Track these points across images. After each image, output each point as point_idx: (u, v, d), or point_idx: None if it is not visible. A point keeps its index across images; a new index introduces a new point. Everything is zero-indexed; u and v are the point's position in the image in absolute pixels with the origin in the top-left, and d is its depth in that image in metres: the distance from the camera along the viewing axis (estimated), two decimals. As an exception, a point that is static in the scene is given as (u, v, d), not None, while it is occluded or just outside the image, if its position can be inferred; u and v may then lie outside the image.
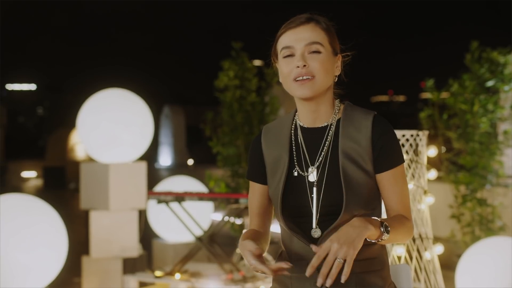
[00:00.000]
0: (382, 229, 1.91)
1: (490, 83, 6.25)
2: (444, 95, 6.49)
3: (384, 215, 2.13)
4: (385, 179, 2.05)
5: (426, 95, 6.67)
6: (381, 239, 1.92)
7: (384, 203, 2.09)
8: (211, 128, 7.72)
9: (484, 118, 6.19)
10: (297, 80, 2.03)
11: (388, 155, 2.04)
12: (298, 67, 2.02)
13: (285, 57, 2.06)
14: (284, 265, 1.89)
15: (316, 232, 2.03)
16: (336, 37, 2.11)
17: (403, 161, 2.08)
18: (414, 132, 4.05)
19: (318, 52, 2.03)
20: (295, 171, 2.09)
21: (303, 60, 2.02)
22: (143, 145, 6.13)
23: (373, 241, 1.93)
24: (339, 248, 1.82)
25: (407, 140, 4.04)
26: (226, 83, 7.44)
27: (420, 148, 4.08)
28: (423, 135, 4.09)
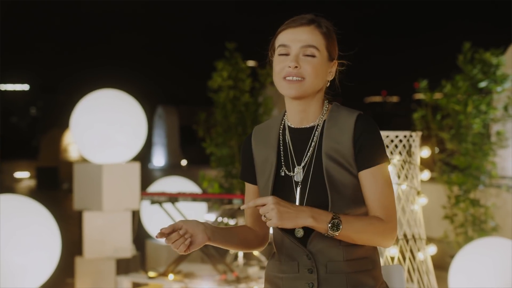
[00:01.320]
0: (328, 225, 1.92)
1: (482, 84, 6.27)
2: (437, 96, 6.50)
3: None
4: (364, 177, 2.04)
5: (419, 95, 6.68)
6: (329, 235, 1.93)
7: (365, 202, 2.07)
8: (204, 128, 7.72)
9: (477, 119, 6.21)
10: (286, 79, 2.05)
11: (367, 153, 2.03)
12: (289, 67, 2.04)
13: (280, 54, 2.07)
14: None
15: (299, 232, 2.04)
16: (336, 43, 2.11)
17: (384, 160, 2.06)
18: (407, 133, 4.06)
19: (312, 56, 2.04)
20: (282, 171, 2.11)
21: (296, 61, 2.03)
22: (137, 146, 6.12)
23: (323, 233, 1.94)
24: (270, 210, 1.88)
25: (400, 141, 4.04)
26: (220, 83, 7.45)
27: (413, 148, 4.09)
28: (416, 136, 4.10)
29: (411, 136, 4.07)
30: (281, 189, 2.08)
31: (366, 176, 2.04)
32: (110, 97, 6.09)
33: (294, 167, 2.09)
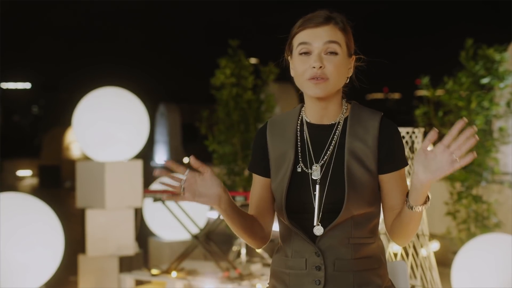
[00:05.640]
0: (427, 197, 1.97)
1: (485, 80, 6.27)
2: (439, 92, 6.50)
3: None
4: (390, 180, 2.06)
5: (421, 92, 6.67)
6: (424, 206, 1.95)
7: (386, 203, 2.08)
8: (206, 126, 7.71)
9: (480, 115, 6.20)
10: (311, 80, 2.02)
11: (394, 157, 2.06)
12: (314, 67, 2.01)
13: (301, 53, 2.05)
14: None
15: (318, 230, 2.03)
16: (352, 37, 2.10)
17: (407, 164, 2.11)
18: (410, 129, 4.06)
19: (335, 53, 2.03)
20: (299, 167, 2.09)
21: (320, 61, 2.01)
22: (139, 143, 6.13)
23: (415, 206, 1.94)
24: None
25: (403, 137, 4.05)
26: (223, 81, 7.44)
27: (416, 145, 4.09)
28: (419, 132, 4.10)
29: (413, 132, 4.07)
30: (297, 185, 2.07)
31: (392, 179, 2.06)
32: (112, 95, 6.09)
33: (311, 163, 2.07)
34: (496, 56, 6.25)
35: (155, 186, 6.77)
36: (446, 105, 6.44)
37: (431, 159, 1.86)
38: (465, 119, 1.87)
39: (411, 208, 1.96)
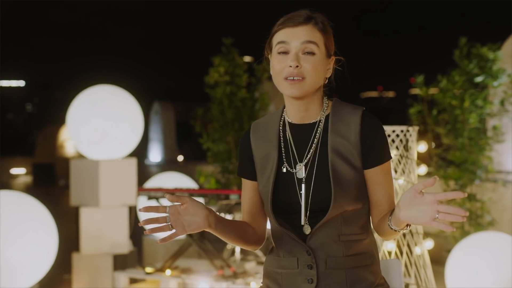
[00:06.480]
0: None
1: (479, 79, 6.28)
2: (433, 91, 6.50)
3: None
4: (374, 174, 2.06)
5: (416, 91, 6.68)
6: (404, 229, 1.96)
7: (371, 198, 2.09)
8: (201, 124, 7.71)
9: (473, 113, 6.22)
10: (288, 79, 2.02)
11: (377, 151, 2.05)
12: (290, 66, 2.01)
13: (279, 52, 2.05)
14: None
15: (306, 229, 2.03)
16: (332, 38, 2.10)
17: (391, 157, 2.10)
18: (404, 127, 4.06)
19: (312, 53, 2.02)
20: (283, 167, 2.09)
21: (297, 60, 2.01)
22: (133, 142, 6.12)
23: (397, 229, 1.94)
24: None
25: (397, 135, 4.05)
26: (217, 79, 7.44)
27: (410, 143, 4.10)
28: (413, 130, 4.11)
29: (408, 131, 4.07)
30: (283, 185, 2.07)
31: (377, 173, 2.06)
32: (107, 93, 6.08)
33: (295, 163, 2.07)
34: (489, 54, 6.26)
35: (149, 184, 6.77)
36: (440, 103, 6.45)
37: (417, 203, 1.85)
38: (466, 195, 1.85)
39: (391, 228, 1.96)
